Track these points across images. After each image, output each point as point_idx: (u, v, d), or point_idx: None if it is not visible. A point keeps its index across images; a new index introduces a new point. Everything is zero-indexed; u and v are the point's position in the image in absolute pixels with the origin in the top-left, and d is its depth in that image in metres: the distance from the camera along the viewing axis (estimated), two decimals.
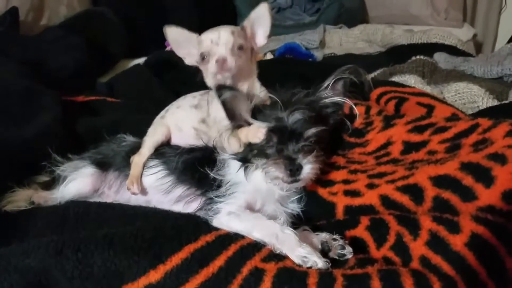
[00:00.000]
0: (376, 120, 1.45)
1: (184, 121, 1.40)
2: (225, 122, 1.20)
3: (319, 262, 0.97)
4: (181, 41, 1.33)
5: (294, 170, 1.12)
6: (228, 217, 1.12)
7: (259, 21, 1.33)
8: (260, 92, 1.32)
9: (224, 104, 1.16)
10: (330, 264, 0.99)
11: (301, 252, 0.99)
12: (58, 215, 1.20)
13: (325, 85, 1.25)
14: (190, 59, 1.35)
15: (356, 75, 1.28)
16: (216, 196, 1.18)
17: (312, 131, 1.14)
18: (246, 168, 1.19)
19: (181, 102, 1.45)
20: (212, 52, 1.25)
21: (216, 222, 1.12)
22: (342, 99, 1.26)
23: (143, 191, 1.31)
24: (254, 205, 1.19)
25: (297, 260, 0.99)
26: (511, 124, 1.13)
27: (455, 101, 1.86)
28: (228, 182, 1.21)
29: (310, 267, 0.97)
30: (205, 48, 1.26)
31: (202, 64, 1.30)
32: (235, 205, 1.15)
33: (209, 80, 1.32)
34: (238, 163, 1.20)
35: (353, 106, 1.30)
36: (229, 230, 1.09)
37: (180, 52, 1.35)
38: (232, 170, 1.22)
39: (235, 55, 1.25)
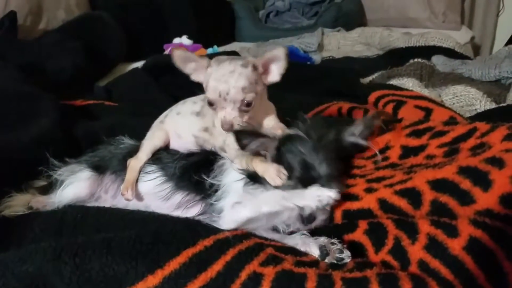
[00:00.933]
0: None
1: (184, 128, 1.37)
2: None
3: (332, 193, 1.00)
4: (187, 59, 1.24)
5: (310, 220, 1.12)
6: (233, 209, 1.12)
7: (274, 61, 1.23)
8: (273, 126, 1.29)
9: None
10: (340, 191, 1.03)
11: (311, 194, 1.01)
12: (56, 220, 1.19)
13: (353, 129, 1.26)
14: (196, 76, 1.25)
15: (383, 121, 1.32)
16: (216, 201, 1.18)
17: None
18: (247, 183, 1.17)
19: (181, 108, 1.42)
20: (219, 105, 1.19)
21: (223, 221, 1.12)
22: (365, 142, 1.28)
23: (141, 197, 1.30)
24: None
25: (312, 203, 1.01)
26: (509, 128, 1.13)
27: (453, 104, 1.86)
28: (224, 186, 1.20)
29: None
30: (212, 97, 1.18)
31: (209, 107, 1.23)
32: (235, 195, 1.15)
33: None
34: (239, 173, 1.19)
35: (378, 153, 1.30)
36: (238, 223, 1.09)
37: (186, 69, 1.25)
38: (230, 178, 1.21)
39: (243, 111, 1.19)
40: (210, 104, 1.20)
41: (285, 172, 1.10)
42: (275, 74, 1.24)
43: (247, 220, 1.10)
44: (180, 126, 1.38)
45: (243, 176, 1.18)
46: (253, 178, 1.16)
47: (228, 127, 1.17)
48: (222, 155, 1.28)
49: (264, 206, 1.08)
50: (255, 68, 1.19)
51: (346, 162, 1.29)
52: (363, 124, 1.29)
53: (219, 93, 1.16)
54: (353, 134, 1.28)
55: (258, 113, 1.27)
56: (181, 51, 1.25)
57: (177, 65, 1.25)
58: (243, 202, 1.12)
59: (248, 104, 1.19)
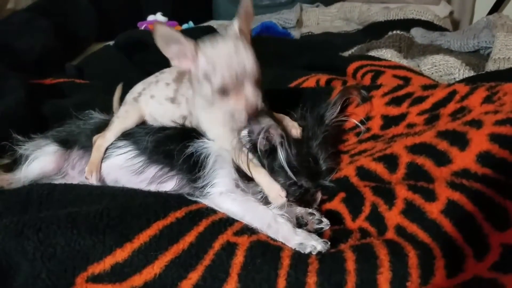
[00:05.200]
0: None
1: (161, 114, 1.30)
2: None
3: (318, 245, 0.92)
4: (170, 40, 1.06)
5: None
6: (220, 198, 1.08)
7: (248, 11, 1.10)
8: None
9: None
10: (329, 244, 0.94)
11: (297, 239, 0.95)
12: (21, 197, 1.12)
13: (333, 102, 1.29)
14: (179, 63, 1.09)
15: (358, 93, 1.35)
16: (198, 178, 1.13)
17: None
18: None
19: (154, 91, 1.32)
20: (235, 89, 1.04)
21: (208, 201, 1.08)
22: (347, 118, 1.33)
23: (111, 172, 1.25)
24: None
25: (294, 248, 0.94)
26: (488, 89, 1.11)
27: (431, 74, 1.84)
28: (209, 159, 1.15)
29: (310, 253, 0.92)
30: (227, 81, 1.02)
31: (218, 98, 1.06)
32: (224, 185, 1.10)
33: (219, 107, 1.11)
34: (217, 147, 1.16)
35: (359, 124, 1.32)
36: (220, 210, 1.04)
37: (167, 53, 1.08)
38: (215, 151, 1.16)
39: (260, 89, 1.05)
40: (222, 92, 1.04)
41: (283, 194, 1.08)
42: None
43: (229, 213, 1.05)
44: (156, 112, 1.31)
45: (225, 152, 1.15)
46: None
47: (254, 111, 1.03)
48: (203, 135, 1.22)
49: (248, 217, 1.03)
50: (241, 32, 1.07)
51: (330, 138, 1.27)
52: (340, 94, 1.29)
53: (235, 73, 1.01)
54: (333, 104, 1.28)
55: None
56: (165, 28, 1.03)
57: (159, 46, 1.06)
58: (232, 196, 1.08)
59: (260, 76, 1.06)
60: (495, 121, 0.95)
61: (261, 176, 1.12)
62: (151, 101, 1.31)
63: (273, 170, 1.14)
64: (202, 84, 1.09)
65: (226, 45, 1.04)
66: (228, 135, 1.14)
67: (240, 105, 1.04)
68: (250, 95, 1.03)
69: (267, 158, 1.13)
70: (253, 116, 1.05)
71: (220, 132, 1.16)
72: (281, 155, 1.11)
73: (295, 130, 1.18)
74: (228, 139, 1.13)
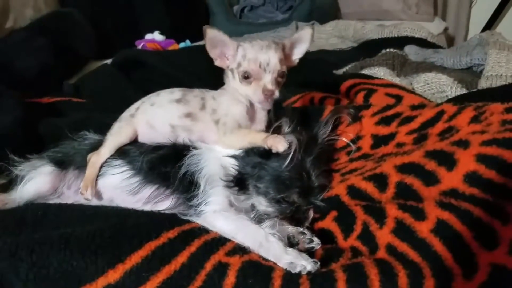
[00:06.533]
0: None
1: (159, 118, 1.31)
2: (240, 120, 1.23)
3: (308, 265, 0.94)
4: (217, 42, 1.24)
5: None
6: (213, 216, 1.09)
7: (300, 44, 1.28)
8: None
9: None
10: (319, 264, 0.96)
11: (287, 259, 0.96)
12: (15, 218, 1.14)
13: (325, 121, 1.34)
14: (221, 62, 1.28)
15: (348, 112, 1.39)
16: (193, 197, 1.14)
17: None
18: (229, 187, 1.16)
19: (155, 99, 1.34)
20: (259, 77, 1.20)
21: (201, 220, 1.09)
22: (338, 137, 1.38)
23: (106, 192, 1.25)
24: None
25: (284, 267, 0.95)
26: (475, 108, 1.13)
27: (424, 92, 1.86)
28: (203, 178, 1.17)
29: (300, 272, 0.93)
30: (251, 69, 1.20)
31: (242, 81, 1.23)
32: (218, 204, 1.12)
33: (243, 90, 1.25)
34: (215, 159, 1.19)
35: (350, 143, 1.36)
36: (213, 229, 1.06)
37: (212, 53, 1.27)
38: (208, 169, 1.18)
39: (278, 84, 1.21)
40: (246, 77, 1.21)
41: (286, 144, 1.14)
42: (296, 58, 1.30)
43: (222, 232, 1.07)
44: (155, 116, 1.31)
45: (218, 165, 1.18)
46: (241, 184, 1.17)
47: (269, 95, 1.19)
48: (198, 145, 1.24)
49: (240, 237, 1.04)
50: (284, 47, 1.25)
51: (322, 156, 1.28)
52: (332, 113, 1.31)
53: (259, 63, 1.19)
54: (326, 123, 1.31)
55: None
56: (214, 31, 1.22)
57: (206, 47, 1.25)
58: (225, 215, 1.10)
59: (283, 75, 1.22)
60: (481, 141, 0.96)
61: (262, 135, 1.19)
62: (151, 108, 1.33)
63: (263, 182, 1.16)
64: (235, 74, 1.25)
65: (260, 44, 1.22)
66: (241, 109, 1.24)
67: (258, 89, 1.19)
68: (268, 83, 1.19)
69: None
70: (269, 98, 1.19)
71: (237, 110, 1.25)
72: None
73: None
74: (241, 113, 1.24)
